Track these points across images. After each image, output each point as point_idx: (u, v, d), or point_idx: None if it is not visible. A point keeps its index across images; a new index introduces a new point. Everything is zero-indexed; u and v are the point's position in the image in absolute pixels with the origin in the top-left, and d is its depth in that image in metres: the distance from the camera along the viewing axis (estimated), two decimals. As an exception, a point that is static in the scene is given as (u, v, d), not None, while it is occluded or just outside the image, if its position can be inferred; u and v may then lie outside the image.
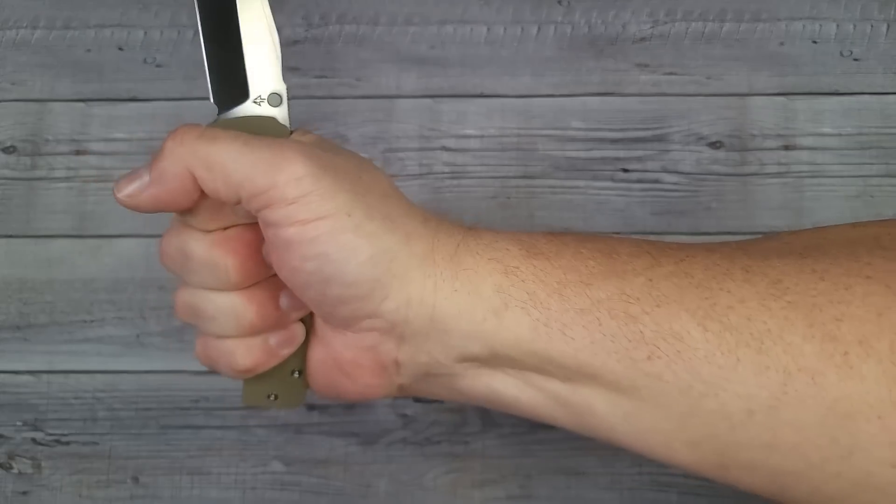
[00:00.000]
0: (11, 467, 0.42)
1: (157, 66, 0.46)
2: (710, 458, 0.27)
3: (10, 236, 0.45)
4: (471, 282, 0.28)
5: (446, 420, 0.42)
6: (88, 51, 0.47)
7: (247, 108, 0.29)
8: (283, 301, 0.30)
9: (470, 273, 0.28)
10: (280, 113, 0.29)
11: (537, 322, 0.27)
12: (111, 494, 0.42)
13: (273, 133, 0.29)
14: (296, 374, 0.31)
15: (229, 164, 0.26)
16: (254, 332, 0.29)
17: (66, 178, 0.45)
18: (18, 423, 0.43)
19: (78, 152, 0.45)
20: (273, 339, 0.30)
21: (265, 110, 0.29)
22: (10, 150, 0.45)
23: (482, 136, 0.45)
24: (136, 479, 0.42)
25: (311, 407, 0.43)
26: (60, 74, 0.46)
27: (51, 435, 0.43)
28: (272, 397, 0.32)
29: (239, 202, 0.27)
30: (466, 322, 0.27)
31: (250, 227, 0.29)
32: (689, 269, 0.27)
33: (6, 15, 0.47)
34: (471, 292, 0.27)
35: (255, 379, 0.31)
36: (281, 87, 0.29)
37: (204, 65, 0.30)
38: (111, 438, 0.43)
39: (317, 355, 0.31)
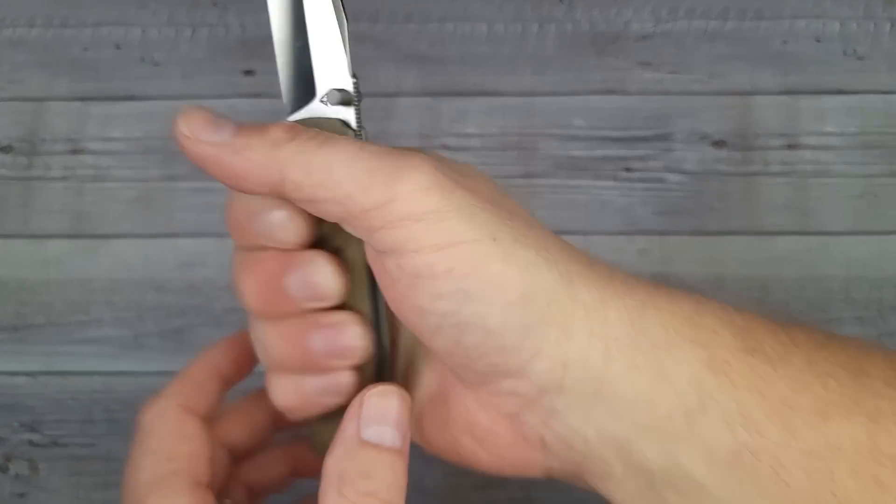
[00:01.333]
0: (8, 469, 0.42)
1: (155, 64, 0.46)
2: None
3: (7, 236, 0.44)
4: (659, 363, 0.21)
5: (447, 422, 0.42)
6: (86, 49, 0.46)
7: (314, 109, 0.25)
8: (317, 343, 0.24)
9: (659, 352, 0.21)
10: (350, 114, 0.24)
11: (742, 447, 0.20)
12: (108, 496, 0.42)
13: None
14: None
15: (338, 169, 0.21)
16: (283, 370, 0.25)
17: (63, 178, 0.45)
18: (15, 425, 0.42)
19: (75, 151, 0.45)
20: (309, 384, 0.25)
21: (332, 111, 0.24)
22: (6, 149, 0.45)
23: (483, 135, 0.45)
24: (133, 482, 0.42)
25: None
26: (57, 73, 0.46)
27: (48, 436, 0.42)
28: None
29: (342, 219, 0.22)
30: (644, 412, 0.21)
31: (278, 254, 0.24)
32: None
33: (3, 13, 0.47)
34: (658, 376, 0.21)
35: (321, 425, 0.26)
36: (347, 83, 0.24)
37: (274, 55, 0.25)
38: (108, 440, 0.42)
39: (439, 413, 0.25)
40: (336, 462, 0.22)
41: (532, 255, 0.21)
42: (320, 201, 0.21)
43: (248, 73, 0.46)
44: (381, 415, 0.23)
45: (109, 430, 0.42)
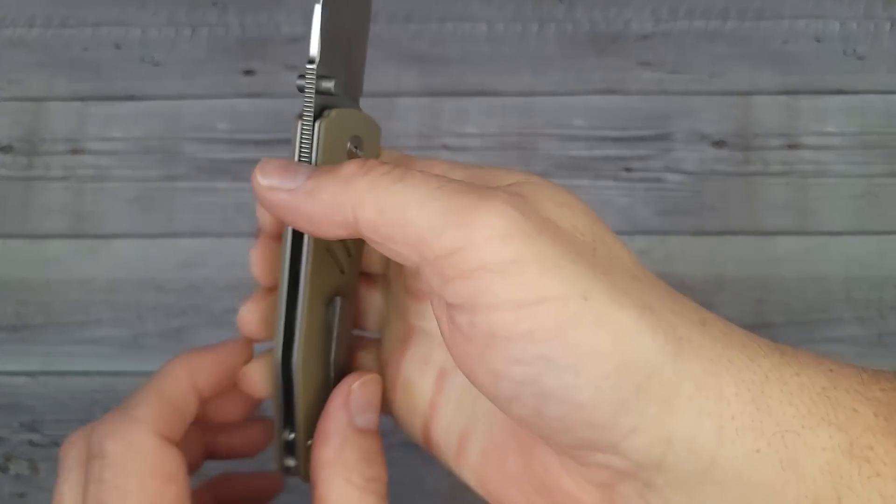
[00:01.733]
0: (8, 469, 0.42)
1: (155, 64, 0.46)
2: None
3: (7, 236, 0.44)
4: (787, 447, 0.18)
5: (447, 422, 0.42)
6: (85, 49, 0.46)
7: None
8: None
9: (788, 435, 0.18)
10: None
11: None
12: (108, 497, 0.42)
13: (372, 132, 0.26)
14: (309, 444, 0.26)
15: (412, 207, 0.19)
16: None
17: (63, 178, 0.45)
18: (15, 425, 0.42)
19: (75, 151, 0.45)
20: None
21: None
22: (6, 149, 0.45)
23: (483, 135, 0.45)
24: (133, 482, 0.42)
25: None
26: (57, 73, 0.46)
27: (48, 436, 0.42)
28: (292, 467, 0.27)
29: (420, 267, 0.19)
30: (765, 499, 0.18)
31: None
32: None
33: (3, 13, 0.47)
34: (785, 462, 0.18)
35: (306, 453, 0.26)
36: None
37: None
38: (108, 440, 0.42)
39: (509, 464, 0.22)
40: (336, 452, 0.23)
41: (632, 318, 0.18)
42: (395, 243, 0.19)
43: (248, 72, 0.46)
44: (368, 402, 0.24)
45: (109, 430, 0.42)
